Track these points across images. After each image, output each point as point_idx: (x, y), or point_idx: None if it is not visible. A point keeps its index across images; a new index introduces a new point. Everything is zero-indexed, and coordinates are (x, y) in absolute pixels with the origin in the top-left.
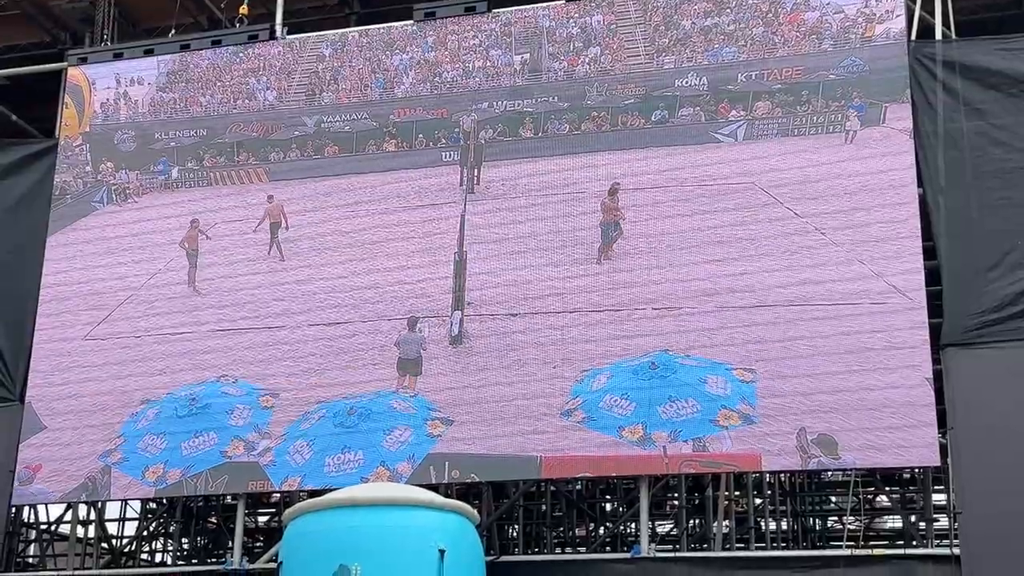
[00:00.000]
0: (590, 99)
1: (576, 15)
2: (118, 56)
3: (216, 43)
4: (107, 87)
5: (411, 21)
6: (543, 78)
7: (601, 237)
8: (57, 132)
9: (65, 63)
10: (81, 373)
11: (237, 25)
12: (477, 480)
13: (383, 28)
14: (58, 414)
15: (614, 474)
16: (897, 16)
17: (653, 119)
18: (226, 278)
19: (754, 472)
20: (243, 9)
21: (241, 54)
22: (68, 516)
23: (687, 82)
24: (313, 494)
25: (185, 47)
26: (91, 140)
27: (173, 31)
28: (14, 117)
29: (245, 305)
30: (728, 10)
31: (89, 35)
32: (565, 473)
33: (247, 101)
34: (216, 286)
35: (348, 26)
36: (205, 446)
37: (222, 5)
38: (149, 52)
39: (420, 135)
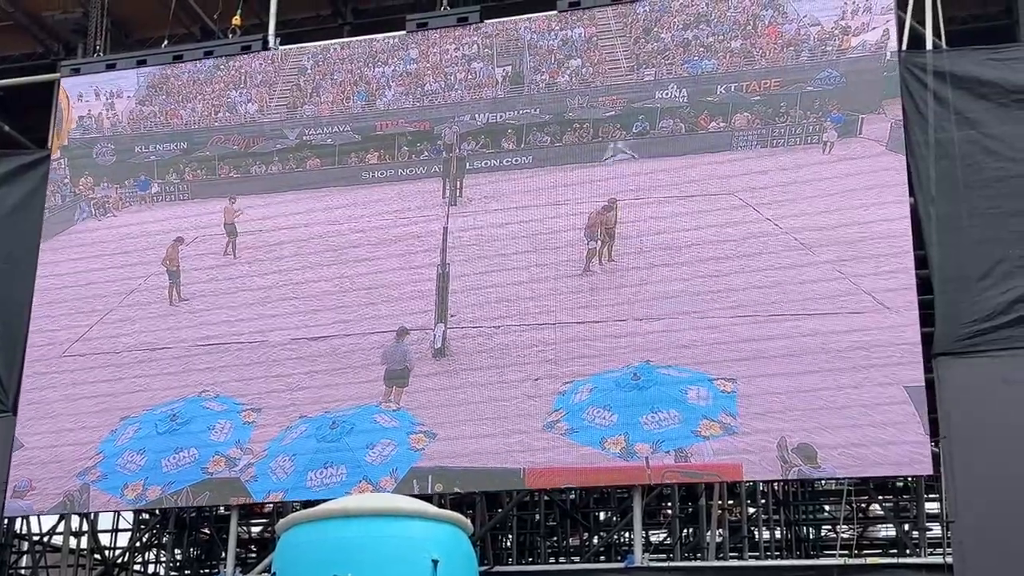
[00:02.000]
0: (571, 111)
1: (557, 27)
2: (111, 67)
3: (209, 54)
4: (86, 100)
5: (403, 32)
6: (525, 90)
7: (587, 247)
8: (50, 143)
9: (57, 74)
10: (59, 390)
11: (230, 36)
12: (460, 492)
13: (365, 40)
14: (36, 431)
15: (599, 485)
16: (873, 28)
17: (634, 131)
18: (207, 292)
19: (737, 481)
20: (236, 20)
21: (222, 66)
22: (61, 527)
23: (667, 94)
24: (306, 505)
25: (178, 58)
26: (70, 154)
27: (166, 42)
28: (6, 128)
29: (226, 319)
30: (707, 23)
31: (82, 46)
32: (548, 485)
33: (228, 114)
34: (197, 300)
35: (341, 37)
36: (186, 462)
37: (215, 16)
38: (142, 63)
39: (402, 147)
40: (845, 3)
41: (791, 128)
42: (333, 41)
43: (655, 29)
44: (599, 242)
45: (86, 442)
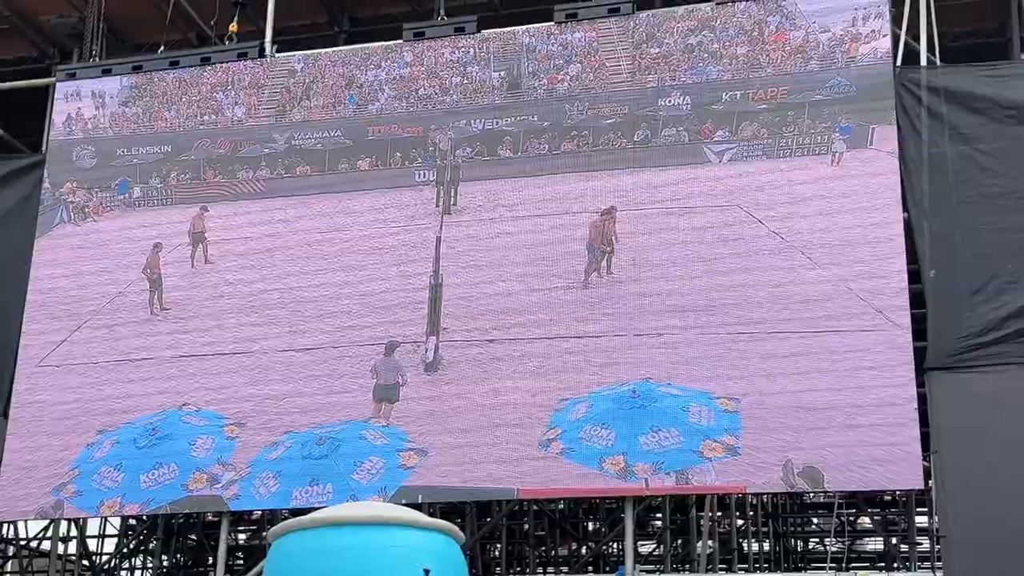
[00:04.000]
0: (571, 118)
1: (557, 32)
2: (107, 72)
3: (205, 60)
4: (66, 101)
5: (399, 41)
6: (522, 96)
7: (588, 258)
8: (44, 147)
9: (53, 78)
10: (33, 402)
11: (226, 42)
12: (452, 500)
13: (359, 49)
14: (7, 445)
15: (592, 496)
16: (884, 36)
17: (635, 139)
18: (190, 301)
19: (728, 493)
20: (232, 27)
21: (209, 68)
22: (48, 532)
23: (670, 101)
24: (296, 513)
25: (174, 64)
26: (50, 157)
27: (162, 47)
28: (0, 131)
29: (209, 330)
30: (712, 29)
31: (78, 50)
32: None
33: (214, 116)
34: (180, 309)
35: (338, 45)
36: (165, 479)
37: (212, 22)
38: (138, 68)
39: (396, 153)
40: (856, 9)
41: (798, 138)
42: (327, 49)
43: (658, 34)
44: (601, 253)
45: (61, 456)
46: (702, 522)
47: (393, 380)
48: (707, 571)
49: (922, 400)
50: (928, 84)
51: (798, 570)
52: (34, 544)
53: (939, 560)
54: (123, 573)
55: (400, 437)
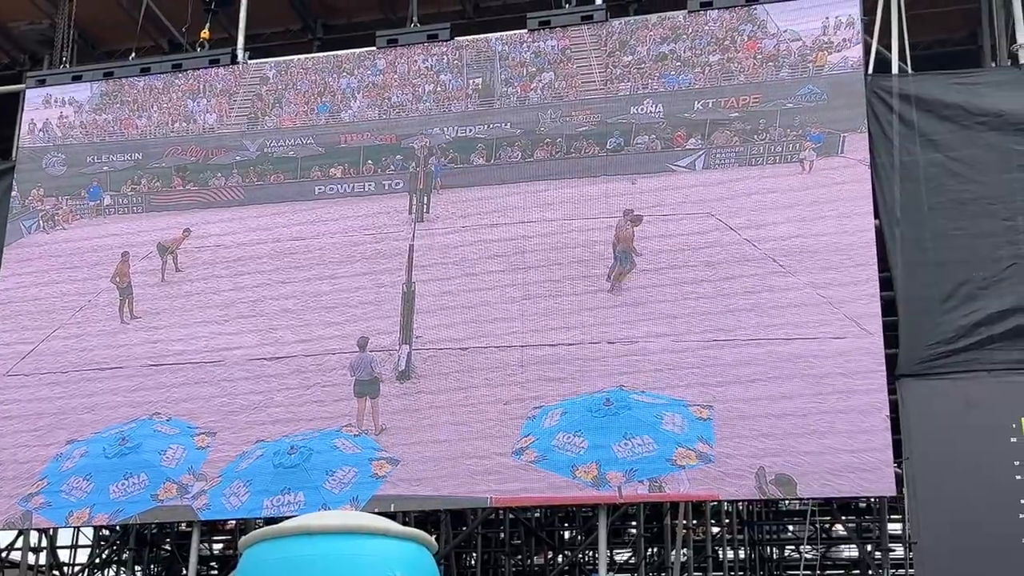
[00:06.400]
0: (543, 125)
1: (529, 39)
2: (77, 78)
3: (177, 67)
4: (36, 108)
5: (373, 48)
6: (495, 103)
7: (618, 264)
8: (14, 154)
9: (23, 85)
10: (1, 411)
11: (198, 49)
12: (425, 509)
13: (331, 56)
14: None
15: (566, 504)
16: (855, 45)
17: (608, 147)
18: (161, 310)
19: (703, 500)
20: (204, 33)
21: (180, 74)
22: (19, 543)
23: (642, 109)
24: (269, 522)
25: (145, 70)
26: (19, 164)
27: (133, 54)
28: None
29: (181, 338)
30: (684, 36)
31: (48, 57)
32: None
33: (186, 124)
34: (151, 318)
35: (311, 52)
36: (135, 489)
37: (183, 29)
38: (109, 75)
39: (368, 161)
40: (827, 18)
41: (770, 146)
42: (299, 56)
43: (631, 42)
44: (628, 259)
45: (30, 466)
46: (677, 530)
47: (371, 375)
48: None
49: (894, 407)
50: (899, 92)
51: None
52: (4, 554)
53: (912, 567)
54: None
55: (372, 446)
